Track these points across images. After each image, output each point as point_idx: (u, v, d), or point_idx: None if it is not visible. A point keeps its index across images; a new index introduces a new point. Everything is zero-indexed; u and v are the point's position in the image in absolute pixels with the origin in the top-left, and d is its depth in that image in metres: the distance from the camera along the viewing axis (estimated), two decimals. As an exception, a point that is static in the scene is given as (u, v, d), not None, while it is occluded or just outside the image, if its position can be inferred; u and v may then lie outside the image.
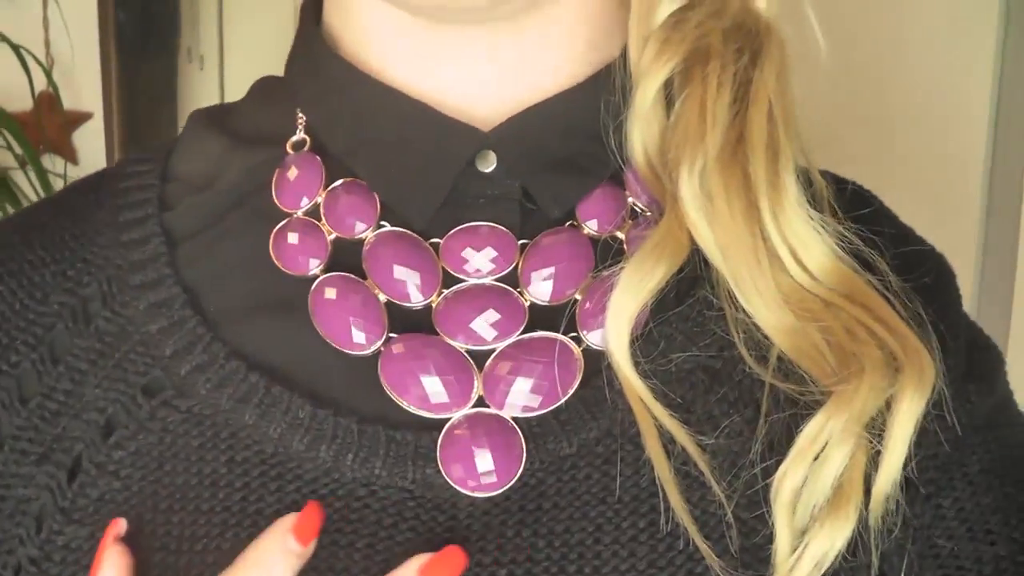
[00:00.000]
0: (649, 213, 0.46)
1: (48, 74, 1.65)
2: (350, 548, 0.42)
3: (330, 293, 0.45)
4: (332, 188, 0.47)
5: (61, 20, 1.67)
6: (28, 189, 1.66)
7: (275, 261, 0.46)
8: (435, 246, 0.46)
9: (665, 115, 0.45)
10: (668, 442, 0.42)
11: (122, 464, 0.44)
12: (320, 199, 0.47)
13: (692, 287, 0.45)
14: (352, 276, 0.45)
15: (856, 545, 0.42)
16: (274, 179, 0.48)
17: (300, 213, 0.47)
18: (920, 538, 0.45)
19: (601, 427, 0.43)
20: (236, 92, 0.54)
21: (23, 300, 0.48)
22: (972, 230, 1.37)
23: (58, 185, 1.67)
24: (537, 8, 0.44)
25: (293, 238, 0.46)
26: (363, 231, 0.46)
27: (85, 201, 0.51)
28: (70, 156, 1.81)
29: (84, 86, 1.80)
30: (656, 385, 0.43)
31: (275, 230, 0.46)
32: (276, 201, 0.47)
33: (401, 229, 0.46)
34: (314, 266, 0.46)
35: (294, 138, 0.48)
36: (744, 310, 0.43)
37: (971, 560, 0.45)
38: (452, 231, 0.46)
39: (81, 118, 1.80)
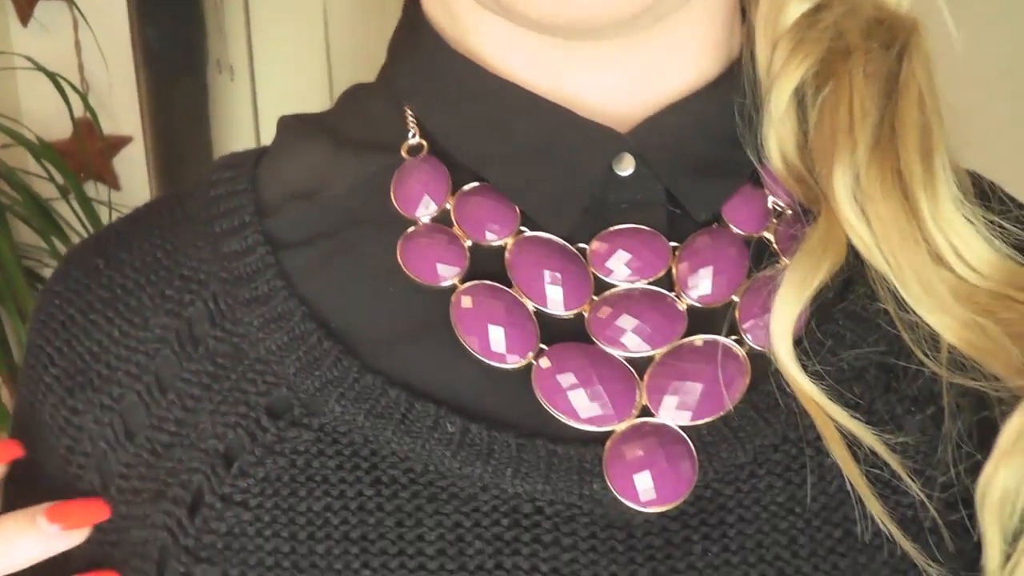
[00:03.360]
0: (791, 212, 0.44)
1: (85, 100, 1.61)
2: (532, 571, 0.39)
3: (473, 303, 0.42)
4: (462, 193, 0.44)
5: (94, 43, 1.64)
6: (72, 219, 1.63)
7: (406, 271, 0.42)
8: (581, 251, 0.43)
9: (797, 115, 0.44)
10: (851, 444, 0.40)
11: (250, 493, 0.41)
12: (449, 205, 0.44)
13: (848, 285, 0.43)
14: (497, 284, 0.42)
15: None
16: (393, 185, 0.44)
17: (427, 219, 0.44)
18: None
19: (776, 433, 0.41)
20: (268, 101, 0.51)
21: (121, 327, 0.44)
22: None
23: (102, 213, 1.64)
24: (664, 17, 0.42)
25: (426, 246, 0.43)
26: (501, 238, 0.43)
27: (172, 215, 0.47)
28: (112, 182, 1.78)
29: (121, 109, 1.76)
30: (830, 385, 0.40)
31: (403, 237, 0.43)
32: (397, 207, 0.44)
33: (546, 234, 0.43)
34: (452, 275, 0.42)
35: (410, 142, 0.45)
36: (910, 308, 0.41)
37: None
38: (601, 234, 0.43)
39: (121, 142, 1.77)
